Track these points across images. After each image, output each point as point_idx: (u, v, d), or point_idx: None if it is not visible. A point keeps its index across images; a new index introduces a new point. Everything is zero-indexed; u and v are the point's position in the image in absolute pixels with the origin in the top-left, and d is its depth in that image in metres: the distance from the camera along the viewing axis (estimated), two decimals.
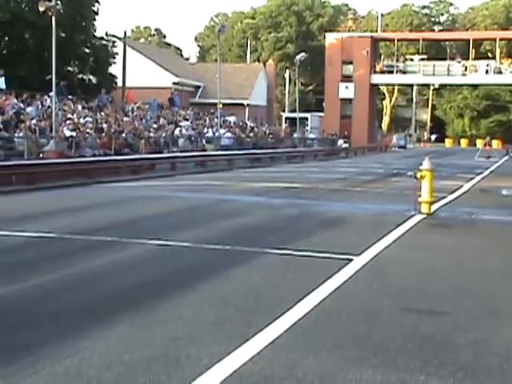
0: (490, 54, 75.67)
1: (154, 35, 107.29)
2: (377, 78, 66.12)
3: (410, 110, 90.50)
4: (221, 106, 41.55)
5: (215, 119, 44.30)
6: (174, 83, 56.10)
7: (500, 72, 62.90)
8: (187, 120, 42.61)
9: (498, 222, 15.14)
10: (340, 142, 60.79)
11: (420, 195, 15.76)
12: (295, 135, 54.50)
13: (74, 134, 28.27)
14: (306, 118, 65.84)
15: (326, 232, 13.08)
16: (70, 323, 6.66)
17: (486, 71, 63.01)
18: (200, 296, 7.80)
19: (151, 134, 34.45)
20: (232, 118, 49.37)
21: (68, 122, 29.81)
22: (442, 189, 20.20)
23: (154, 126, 37.30)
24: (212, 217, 15.08)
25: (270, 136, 49.49)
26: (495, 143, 72.81)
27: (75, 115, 32.22)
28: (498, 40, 68.99)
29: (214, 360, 5.64)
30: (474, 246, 11.97)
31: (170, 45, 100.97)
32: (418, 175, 15.72)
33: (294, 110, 62.61)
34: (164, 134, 35.63)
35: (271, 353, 5.90)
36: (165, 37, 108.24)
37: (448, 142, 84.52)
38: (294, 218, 15.22)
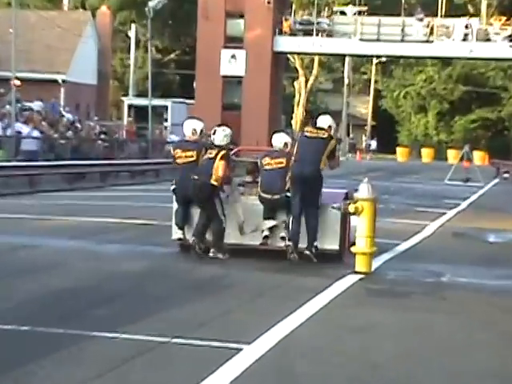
0: (470, 8, 54.51)
1: None
2: (284, 43, 44.80)
3: (339, 99, 63.27)
4: (18, 82, 29.51)
5: (7, 106, 30.18)
6: None
7: (488, 38, 42.95)
8: None
9: (481, 288, 11.09)
10: None
11: (354, 242, 11.58)
12: (146, 136, 39.46)
13: None
14: (166, 108, 46.98)
15: (196, 301, 9.02)
16: None
17: (465, 36, 43.16)
18: None
19: None
20: (37, 105, 33.95)
21: None
22: (390, 231, 16.01)
23: None
24: (1, 274, 10.44)
25: (103, 137, 34.83)
26: (478, 156, 52.71)
27: None
28: None
29: None
30: (439, 329, 8.42)
31: None
32: (351, 208, 11.41)
33: (143, 94, 48.14)
34: None
35: None
36: None
37: (401, 154, 62.69)
38: (142, 277, 10.72)
